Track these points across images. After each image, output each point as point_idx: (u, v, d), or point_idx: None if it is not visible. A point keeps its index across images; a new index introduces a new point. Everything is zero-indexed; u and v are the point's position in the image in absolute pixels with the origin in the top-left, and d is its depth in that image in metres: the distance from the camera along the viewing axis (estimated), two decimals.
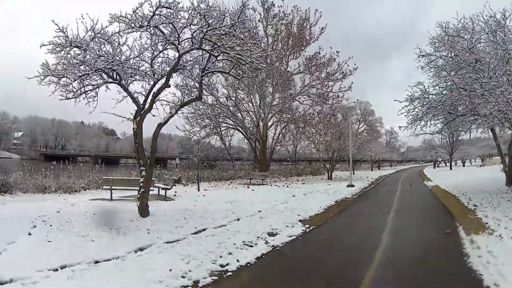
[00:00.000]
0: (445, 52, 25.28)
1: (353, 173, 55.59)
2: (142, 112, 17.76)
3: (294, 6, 49.07)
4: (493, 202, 21.14)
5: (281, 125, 55.91)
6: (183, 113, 48.04)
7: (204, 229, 15.61)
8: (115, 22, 15.90)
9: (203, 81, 20.54)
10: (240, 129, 54.59)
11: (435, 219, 19.07)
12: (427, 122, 25.94)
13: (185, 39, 17.34)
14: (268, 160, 54.83)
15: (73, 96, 17.02)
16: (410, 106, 25.31)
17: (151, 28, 16.29)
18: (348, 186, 39.24)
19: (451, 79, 23.29)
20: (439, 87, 25.80)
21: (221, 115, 52.41)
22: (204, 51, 17.98)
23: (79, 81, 16.92)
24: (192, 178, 40.68)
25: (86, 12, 16.26)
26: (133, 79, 18.41)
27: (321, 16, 48.69)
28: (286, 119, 52.58)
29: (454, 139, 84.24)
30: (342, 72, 49.47)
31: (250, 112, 53.13)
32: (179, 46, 16.98)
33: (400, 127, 27.39)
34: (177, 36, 16.69)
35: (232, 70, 19.24)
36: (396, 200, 26.76)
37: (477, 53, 22.40)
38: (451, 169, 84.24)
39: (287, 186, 38.79)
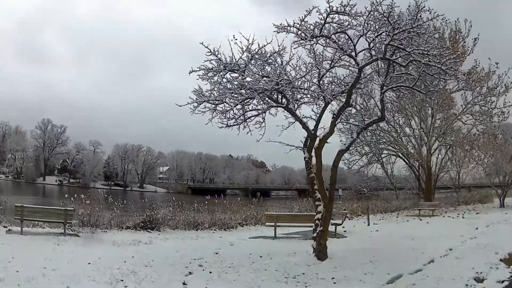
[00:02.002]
0: None
1: None
2: (322, 137, 15.62)
3: (442, 19, 45.77)
4: None
5: (445, 149, 51.88)
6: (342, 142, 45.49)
7: (398, 276, 13.21)
8: (279, 36, 14.18)
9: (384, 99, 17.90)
10: (401, 155, 51.88)
11: None
12: None
13: (361, 50, 15.15)
14: (433, 188, 51.09)
15: (235, 124, 15.29)
16: None
17: (323, 39, 14.20)
18: None
19: None
20: None
21: (380, 141, 49.84)
22: (385, 62, 15.65)
23: (240, 106, 14.99)
24: (356, 210, 38.79)
25: (239, 31, 14.53)
26: (301, 101, 16.34)
27: (471, 26, 45.05)
28: (451, 141, 48.74)
29: None
30: (504, 85, 45.16)
31: (411, 137, 50.07)
32: (357, 57, 14.74)
33: None
34: (353, 46, 14.42)
35: (417, 83, 16.68)
36: None
37: None
38: None
39: (463, 217, 35.61)
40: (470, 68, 44.17)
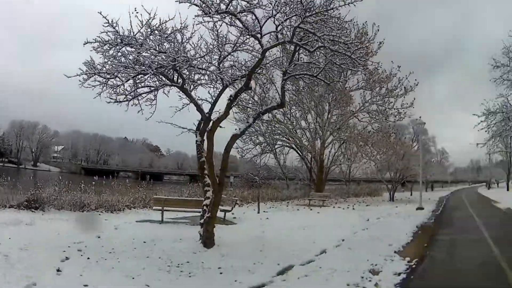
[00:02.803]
0: None
1: (411, 195, 54.10)
2: (215, 120, 14.93)
3: (351, 20, 45.77)
4: None
5: (339, 143, 53.00)
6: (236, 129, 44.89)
7: (290, 267, 12.55)
8: (183, 14, 13.45)
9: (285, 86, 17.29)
10: (295, 147, 52.26)
11: None
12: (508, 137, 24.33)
13: (268, 33, 14.63)
14: (324, 180, 51.84)
15: (125, 100, 14.28)
16: (486, 121, 23.28)
17: (229, 17, 13.53)
18: (417, 209, 36.67)
19: None
20: None
21: (275, 132, 49.88)
22: (291, 47, 15.22)
23: (132, 82, 14.13)
24: (247, 197, 38.36)
25: (142, 4, 13.59)
26: (197, 83, 15.62)
27: (378, 30, 45.57)
28: (345, 137, 49.67)
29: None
30: (404, 87, 46.17)
31: (306, 130, 50.47)
32: (262, 39, 14.15)
33: (478, 144, 25.53)
34: (259, 28, 13.80)
35: (321, 73, 16.29)
36: (482, 226, 23.67)
37: None
38: (508, 189, 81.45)
39: (353, 209, 36.51)
40: (372, 69, 44.64)
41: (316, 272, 11.97)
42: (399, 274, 11.92)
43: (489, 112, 23.75)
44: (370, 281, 11.17)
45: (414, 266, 13.06)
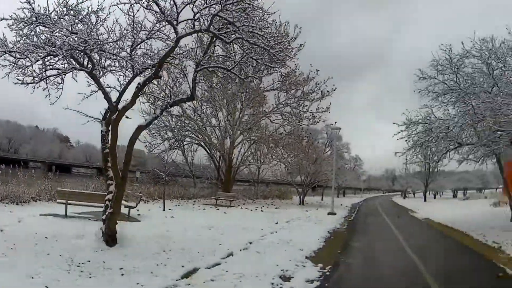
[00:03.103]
0: (449, 75, 24.59)
1: (322, 199, 53.32)
2: (121, 108, 13.88)
3: (273, 20, 45.52)
4: None
5: (249, 144, 52.55)
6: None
7: (195, 270, 11.72)
8: None
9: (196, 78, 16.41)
10: (204, 145, 51.55)
11: (471, 260, 16.55)
12: (428, 148, 25.42)
13: (185, 20, 13.78)
14: (232, 180, 51.32)
15: (32, 82, 13.05)
16: (407, 131, 23.48)
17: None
18: (329, 214, 36.78)
19: (470, 103, 21.32)
20: (443, 113, 24.80)
21: (185, 128, 48.93)
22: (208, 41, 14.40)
23: (41, 63, 12.94)
24: (153, 194, 37.63)
25: None
26: (107, 70, 14.55)
27: (300, 32, 45.30)
28: (256, 137, 49.22)
29: (431, 170, 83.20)
30: (321, 92, 46.23)
31: (216, 128, 49.88)
32: (177, 26, 13.30)
33: (396, 153, 25.46)
34: (176, 14, 12.94)
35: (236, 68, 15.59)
36: (398, 235, 23.84)
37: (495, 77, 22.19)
38: (425, 200, 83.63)
39: (261, 210, 36.16)
40: (289, 71, 44.29)
41: (223, 276, 11.16)
42: (312, 281, 11.30)
43: (410, 122, 23.64)
44: (279, 287, 10.53)
45: (328, 273, 12.48)
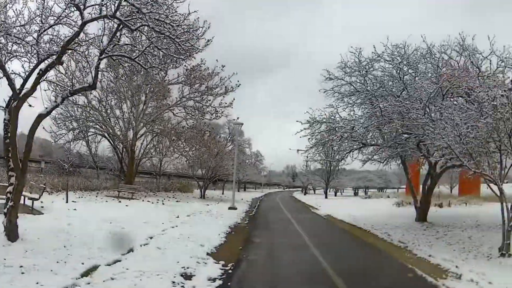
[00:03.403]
0: (357, 77, 25.19)
1: (223, 193, 53.46)
2: (21, 95, 13.16)
3: (182, 14, 44.61)
4: (420, 239, 19.87)
5: (151, 136, 51.67)
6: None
7: (95, 267, 11.19)
8: None
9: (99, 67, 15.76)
10: (108, 136, 50.21)
11: (378, 260, 16.24)
12: (331, 147, 25.69)
13: (92, 5, 13.39)
14: (135, 172, 50.26)
15: None
16: (311, 129, 24.10)
17: None
18: (230, 208, 36.79)
19: (378, 105, 22.10)
20: (349, 114, 25.26)
21: (89, 118, 47.18)
22: (113, 24, 14.04)
23: None
24: (57, 185, 36.13)
25: None
26: (13, 55, 13.82)
27: (209, 27, 44.74)
28: (158, 130, 48.54)
29: (332, 168, 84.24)
30: (225, 87, 45.62)
31: (120, 120, 48.46)
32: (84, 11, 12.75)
33: (298, 150, 25.41)
34: None
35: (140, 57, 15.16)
36: (301, 231, 23.72)
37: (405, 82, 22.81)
38: (326, 197, 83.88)
39: (163, 203, 35.55)
40: (195, 66, 43.95)
41: (124, 274, 10.68)
42: (214, 279, 11.00)
43: (314, 121, 23.72)
44: (182, 287, 10.17)
45: (230, 271, 12.20)
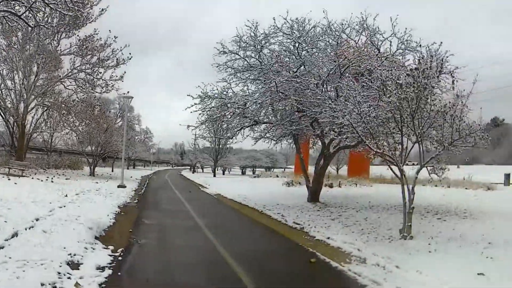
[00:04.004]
0: (252, 52, 24.24)
1: (112, 171, 54.69)
2: None
3: None
4: (315, 220, 19.16)
5: (42, 110, 48.90)
6: None
7: None
8: None
9: None
10: None
11: (276, 243, 15.37)
12: (223, 123, 25.42)
13: None
14: (25, 148, 47.34)
15: None
16: (202, 104, 23.42)
17: None
18: (119, 186, 35.19)
19: (274, 80, 21.13)
20: (242, 90, 24.44)
21: None
22: None
23: None
24: None
25: None
26: None
27: None
28: (49, 103, 45.81)
29: (220, 146, 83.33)
30: (116, 59, 43.73)
31: (11, 91, 45.01)
32: None
33: (189, 126, 24.21)
34: None
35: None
36: (192, 211, 22.76)
37: (303, 58, 22.31)
38: (214, 176, 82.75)
39: (52, 181, 33.00)
40: (88, 36, 42.11)
41: (6, 264, 9.01)
42: (103, 268, 9.75)
43: (205, 96, 22.68)
44: (69, 278, 8.79)
45: (120, 257, 10.99)
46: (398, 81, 14.22)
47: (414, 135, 14.51)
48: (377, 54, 20.54)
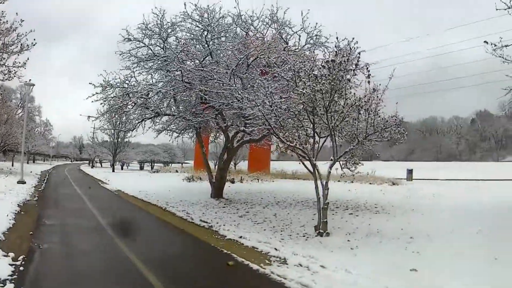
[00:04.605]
0: (157, 40, 23.10)
1: (13, 165, 50.53)
2: None
3: None
4: (223, 218, 17.91)
5: None
6: None
7: None
8: None
9: None
10: None
11: (187, 244, 13.95)
12: (124, 114, 24.37)
13: None
14: None
15: None
16: (103, 93, 22.09)
17: None
18: (19, 182, 32.50)
19: (180, 68, 20.50)
20: (145, 80, 23.63)
21: None
22: None
23: None
24: None
25: None
26: None
27: None
28: None
29: (119, 140, 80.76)
30: (21, 44, 40.87)
31: None
32: None
33: (89, 116, 22.80)
34: None
35: None
36: (94, 210, 20.66)
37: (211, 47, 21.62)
38: (113, 171, 79.63)
39: None
40: None
41: None
42: (4, 282, 8.16)
43: (107, 84, 21.25)
44: None
45: (22, 268, 9.35)
46: (313, 72, 13.61)
47: (328, 128, 13.88)
48: (285, 48, 19.96)
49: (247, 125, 18.52)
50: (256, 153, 45.03)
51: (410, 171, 42.35)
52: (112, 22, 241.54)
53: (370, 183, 30.66)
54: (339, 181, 29.11)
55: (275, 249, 11.88)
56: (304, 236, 13.79)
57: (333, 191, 19.52)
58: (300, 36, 21.26)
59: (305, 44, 21.34)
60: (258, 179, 38.04)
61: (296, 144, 13.76)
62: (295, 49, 20.42)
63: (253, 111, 14.79)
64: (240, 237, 13.76)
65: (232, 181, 34.39)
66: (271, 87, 15.01)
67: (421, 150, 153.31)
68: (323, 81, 13.13)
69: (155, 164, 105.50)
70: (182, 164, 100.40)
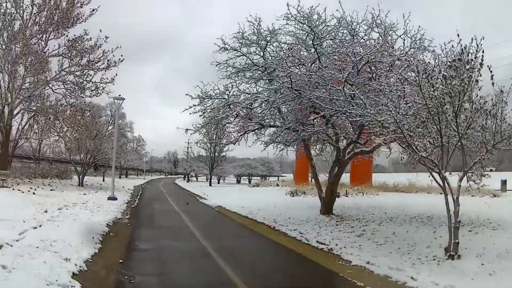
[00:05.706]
0: (256, 49, 22.64)
1: (103, 180, 52.38)
2: None
3: None
4: (340, 238, 16.69)
5: (28, 115, 46.82)
6: None
7: None
8: None
9: None
10: None
11: (311, 272, 12.35)
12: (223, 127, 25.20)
13: None
14: (11, 155, 45.08)
15: None
16: (202, 105, 21.68)
17: None
18: (109, 198, 32.39)
19: (289, 75, 19.29)
20: (247, 89, 22.71)
21: None
22: None
23: None
24: None
25: None
26: None
27: None
28: (36, 108, 43.34)
29: (216, 154, 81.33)
30: (107, 61, 41.32)
31: None
32: None
33: (187, 129, 22.38)
34: None
35: None
36: (195, 230, 19.75)
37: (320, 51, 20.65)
38: (210, 185, 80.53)
39: (34, 193, 29.71)
40: (78, 36, 40.30)
41: None
42: None
43: (206, 95, 20.65)
44: None
45: None
46: (443, 73, 12.43)
47: (457, 135, 12.62)
48: (390, 53, 18.61)
49: (360, 135, 17.70)
50: (358, 165, 43.82)
51: (504, 182, 39.83)
52: (198, 40, 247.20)
53: (472, 195, 28.85)
54: (440, 193, 27.66)
55: (412, 278, 10.63)
56: (434, 259, 12.50)
57: (437, 203, 18.16)
58: (404, 39, 20.24)
59: (410, 48, 20.20)
60: (362, 193, 36.91)
61: (427, 155, 12.72)
62: (400, 53, 19.29)
63: (383, 118, 13.66)
64: (368, 262, 12.54)
65: (338, 195, 33.48)
66: (400, 91, 14.28)
67: (509, 160, 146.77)
68: (453, 82, 12.02)
69: (253, 178, 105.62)
70: (278, 177, 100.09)
